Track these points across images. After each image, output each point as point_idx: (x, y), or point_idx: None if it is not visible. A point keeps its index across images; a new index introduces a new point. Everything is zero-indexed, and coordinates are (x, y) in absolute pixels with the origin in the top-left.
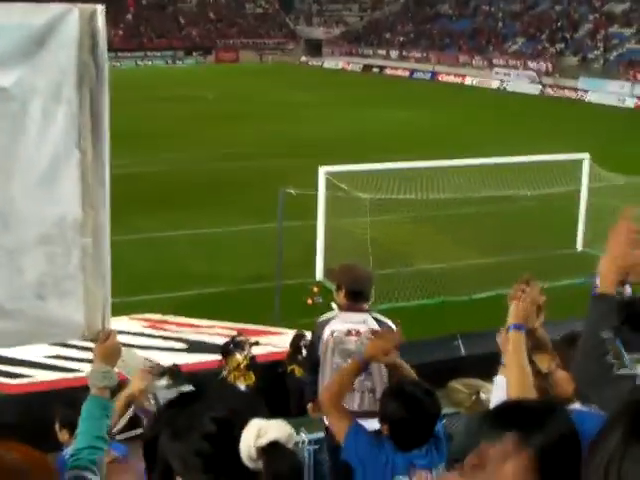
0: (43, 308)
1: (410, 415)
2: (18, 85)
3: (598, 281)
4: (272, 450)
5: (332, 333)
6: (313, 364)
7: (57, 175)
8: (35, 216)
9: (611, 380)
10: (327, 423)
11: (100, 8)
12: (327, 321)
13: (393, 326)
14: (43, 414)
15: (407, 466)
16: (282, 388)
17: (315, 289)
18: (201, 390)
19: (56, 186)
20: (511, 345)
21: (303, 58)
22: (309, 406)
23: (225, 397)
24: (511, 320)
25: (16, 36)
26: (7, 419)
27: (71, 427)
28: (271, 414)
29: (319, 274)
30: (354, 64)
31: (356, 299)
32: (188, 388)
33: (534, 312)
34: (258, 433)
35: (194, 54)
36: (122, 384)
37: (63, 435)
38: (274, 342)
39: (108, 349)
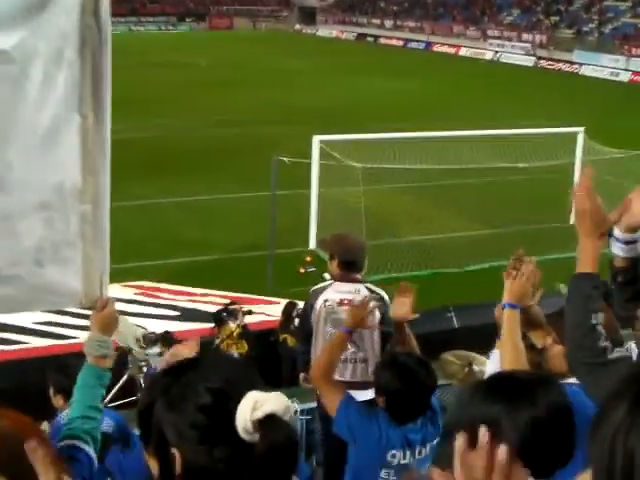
0: (41, 275)
1: (405, 386)
2: (19, 47)
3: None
4: (268, 423)
5: (325, 303)
6: (306, 333)
7: (57, 140)
8: (34, 181)
9: (605, 365)
10: (317, 394)
11: None
12: (320, 290)
13: (385, 296)
14: (36, 380)
15: (402, 440)
16: (274, 357)
17: (308, 258)
18: (196, 359)
19: (56, 151)
20: (505, 323)
21: (297, 26)
22: (301, 376)
23: (220, 367)
24: (506, 298)
25: None
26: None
27: (65, 393)
28: (264, 383)
29: (312, 243)
30: (348, 33)
31: (349, 269)
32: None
33: (530, 290)
34: (254, 405)
35: (187, 20)
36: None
37: (58, 401)
38: (267, 311)
39: (105, 318)
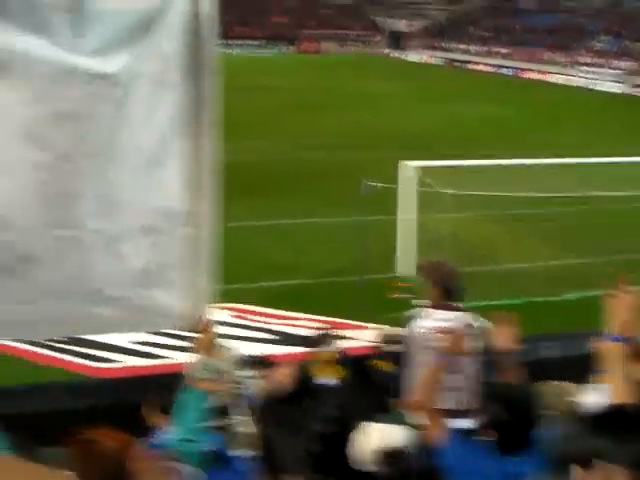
0: (146, 297)
1: (512, 418)
2: (124, 71)
3: None
4: (396, 455)
5: (420, 329)
6: (400, 360)
7: (162, 163)
8: (139, 204)
9: None
10: (418, 423)
11: None
12: (415, 317)
13: (485, 324)
14: (131, 399)
15: (505, 473)
16: (368, 383)
17: (399, 284)
18: (311, 387)
19: (160, 174)
20: (610, 356)
21: (386, 50)
22: (397, 402)
23: (336, 395)
24: (611, 331)
25: (124, 21)
26: (98, 403)
27: (162, 412)
28: (358, 409)
29: (402, 269)
30: (436, 58)
31: (446, 296)
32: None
33: (634, 322)
34: (381, 437)
35: (276, 44)
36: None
37: (154, 420)
38: (359, 336)
39: (208, 341)
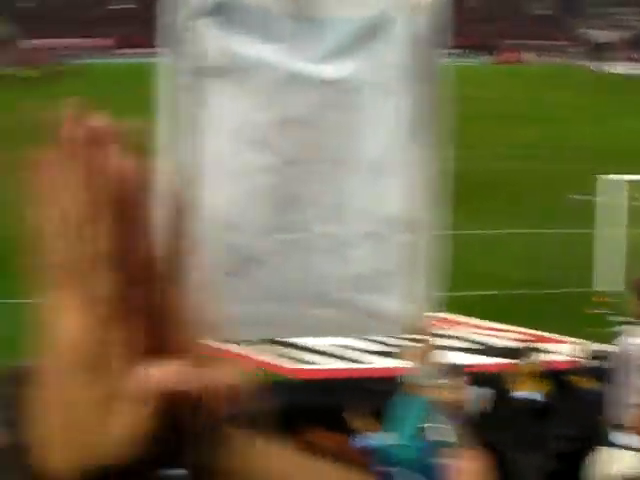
0: (366, 301)
1: None
2: (350, 78)
3: None
4: None
5: (629, 346)
6: (606, 377)
7: (387, 170)
8: (365, 210)
9: None
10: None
11: (440, 1)
12: (624, 333)
13: None
14: (335, 401)
15: None
16: (567, 399)
17: (601, 299)
18: (510, 400)
19: (386, 181)
20: None
21: (587, 62)
22: (603, 419)
23: (577, 414)
24: None
25: (351, 29)
26: (304, 404)
27: (369, 416)
28: (559, 426)
29: (600, 284)
30: (638, 70)
31: None
32: (486, 392)
33: None
34: (618, 462)
35: (476, 53)
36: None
37: (358, 423)
38: (558, 350)
39: (425, 348)
